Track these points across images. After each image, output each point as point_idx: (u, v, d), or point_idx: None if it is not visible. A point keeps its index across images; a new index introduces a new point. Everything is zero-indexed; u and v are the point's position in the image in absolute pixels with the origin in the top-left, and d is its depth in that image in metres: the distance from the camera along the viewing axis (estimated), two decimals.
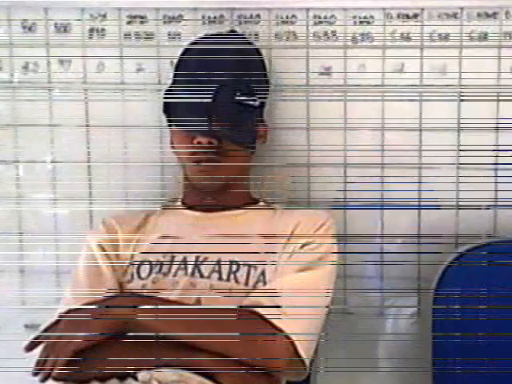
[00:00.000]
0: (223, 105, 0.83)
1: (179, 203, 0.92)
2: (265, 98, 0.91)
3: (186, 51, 0.91)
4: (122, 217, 0.91)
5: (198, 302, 0.79)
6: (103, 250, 0.85)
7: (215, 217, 0.88)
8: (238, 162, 0.86)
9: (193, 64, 0.87)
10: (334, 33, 0.95)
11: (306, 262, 0.80)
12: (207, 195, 0.88)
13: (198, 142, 0.83)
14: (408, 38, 0.94)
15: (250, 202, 0.92)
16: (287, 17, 0.96)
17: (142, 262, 0.84)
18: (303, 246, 0.82)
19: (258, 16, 0.97)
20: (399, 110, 0.96)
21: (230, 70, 0.84)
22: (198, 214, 0.89)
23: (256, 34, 0.98)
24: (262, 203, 0.93)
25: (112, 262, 0.84)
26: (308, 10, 0.95)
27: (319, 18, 0.96)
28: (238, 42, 0.89)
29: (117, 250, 0.86)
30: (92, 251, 0.85)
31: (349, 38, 0.95)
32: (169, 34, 1.00)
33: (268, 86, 0.93)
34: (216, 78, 0.83)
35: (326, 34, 0.96)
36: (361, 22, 0.94)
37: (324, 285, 0.79)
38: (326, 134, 0.99)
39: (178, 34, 1.00)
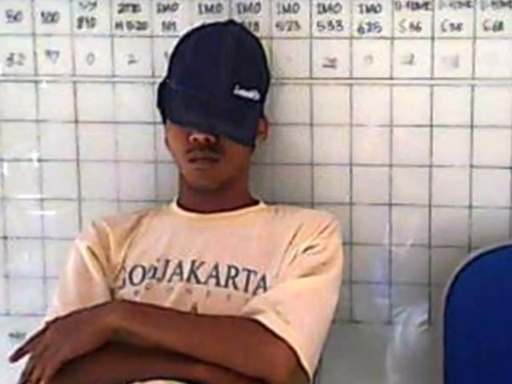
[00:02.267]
0: (221, 99, 0.77)
1: (174, 204, 0.86)
2: (265, 91, 0.85)
3: (182, 42, 0.84)
4: (113, 218, 0.86)
5: (194, 309, 0.74)
6: (93, 253, 0.79)
7: (212, 218, 0.82)
8: (237, 160, 0.81)
9: (188, 56, 0.81)
10: (339, 22, 0.90)
11: (308, 267, 0.74)
12: (204, 195, 0.82)
13: (194, 139, 0.77)
14: (418, 28, 0.88)
15: (249, 202, 0.86)
16: (289, 5, 0.91)
17: (134, 267, 0.79)
18: (306, 249, 0.76)
19: (259, 5, 0.91)
20: (408, 105, 0.90)
21: (227, 63, 0.78)
22: (193, 215, 0.83)
23: (256, 24, 0.92)
24: (262, 204, 0.87)
25: (103, 267, 0.79)
26: None
27: (323, 6, 0.90)
28: (236, 33, 0.83)
29: (108, 253, 0.80)
30: (81, 255, 0.79)
31: (355, 27, 0.89)
32: (163, 24, 0.94)
33: (269, 80, 0.87)
34: (213, 70, 0.78)
35: (330, 23, 0.90)
36: (368, 10, 0.89)
37: (328, 291, 0.74)
38: (331, 130, 0.93)
39: (173, 24, 0.94)
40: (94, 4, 0.95)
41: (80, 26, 0.95)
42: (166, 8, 0.94)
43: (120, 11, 0.94)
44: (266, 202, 0.88)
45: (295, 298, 0.70)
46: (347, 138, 0.92)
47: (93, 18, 0.95)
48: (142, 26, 0.95)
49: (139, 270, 0.78)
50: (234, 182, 0.83)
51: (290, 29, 0.91)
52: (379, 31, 0.89)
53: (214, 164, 0.78)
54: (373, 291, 0.94)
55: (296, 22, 0.91)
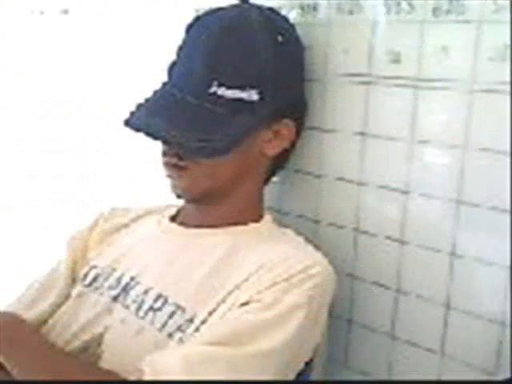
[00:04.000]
0: (190, 97, 0.63)
1: (174, 209, 0.76)
2: (278, 93, 0.66)
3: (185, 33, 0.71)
4: (120, 210, 0.79)
5: (101, 336, 0.64)
6: (72, 244, 0.76)
7: (181, 234, 0.70)
8: (216, 170, 0.66)
9: (180, 45, 0.69)
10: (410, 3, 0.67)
11: (230, 330, 0.55)
12: (191, 206, 0.71)
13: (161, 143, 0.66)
14: None
15: (242, 219, 0.70)
16: None
17: (92, 267, 0.73)
18: (247, 302, 0.57)
19: None
20: (491, 119, 0.62)
21: (205, 54, 0.63)
22: (172, 225, 0.72)
23: (315, 8, 0.76)
24: (261, 223, 0.71)
25: (75, 260, 0.75)
26: None
27: None
28: (233, 17, 0.65)
29: (87, 246, 0.76)
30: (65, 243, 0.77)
31: (428, 9, 0.65)
32: None
33: (290, 76, 0.69)
34: (187, 62, 0.65)
35: (399, 4, 0.68)
36: None
37: (247, 373, 0.52)
38: (388, 144, 0.71)
39: None
40: None
41: None
42: None
43: None
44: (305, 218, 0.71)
45: (187, 372, 0.52)
46: (405, 155, 0.69)
47: None
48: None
49: (94, 272, 0.72)
50: (225, 195, 0.69)
51: (351, 12, 0.73)
52: (462, 14, 0.63)
53: (182, 172, 0.66)
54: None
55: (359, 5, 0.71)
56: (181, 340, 0.59)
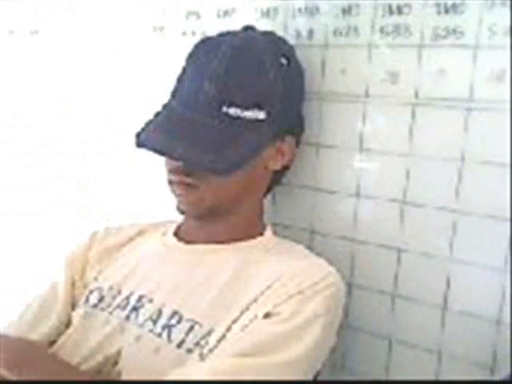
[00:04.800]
0: (202, 117, 0.64)
1: (174, 225, 0.76)
2: (282, 110, 0.68)
3: (188, 55, 0.72)
4: (114, 229, 0.79)
5: (118, 354, 0.63)
6: (69, 265, 0.74)
7: (187, 250, 0.70)
8: (224, 187, 0.67)
9: (186, 66, 0.70)
10: (407, 27, 0.71)
11: (255, 343, 0.56)
12: (193, 222, 0.71)
13: (170, 161, 0.67)
14: None
15: (249, 235, 0.71)
16: (349, 6, 0.76)
17: (95, 288, 0.71)
18: (267, 315, 0.58)
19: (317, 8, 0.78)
20: (489, 136, 0.66)
21: (216, 74, 0.64)
22: (173, 242, 0.72)
23: (311, 32, 0.79)
24: (263, 237, 0.72)
25: (73, 281, 0.74)
26: None
27: (389, 7, 0.73)
28: (240, 40, 0.67)
29: (85, 267, 0.74)
30: (60, 264, 0.76)
31: (427, 33, 0.70)
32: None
33: (293, 96, 0.72)
34: (197, 82, 0.65)
35: (396, 27, 0.72)
36: (446, 11, 0.69)
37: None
38: (384, 159, 0.73)
39: None
40: None
41: None
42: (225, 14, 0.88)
43: None
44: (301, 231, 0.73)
45: None
46: (402, 170, 0.72)
47: None
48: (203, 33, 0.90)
49: (96, 293, 0.71)
50: (229, 210, 0.70)
51: (347, 35, 0.76)
52: (459, 38, 0.68)
53: (191, 190, 0.66)
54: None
55: (355, 27, 0.75)
56: (201, 355, 0.59)
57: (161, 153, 0.64)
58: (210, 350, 0.59)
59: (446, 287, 0.69)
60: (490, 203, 0.66)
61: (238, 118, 0.64)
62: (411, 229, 0.72)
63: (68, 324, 0.72)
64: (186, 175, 0.65)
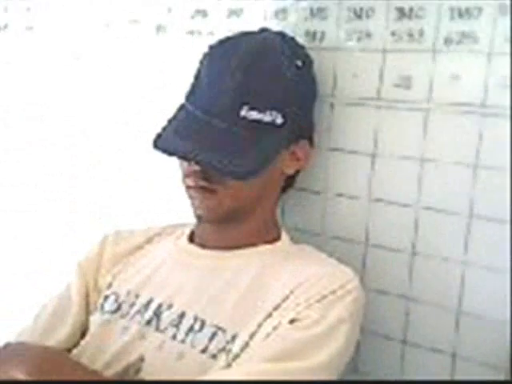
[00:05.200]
0: (221, 120, 0.64)
1: (189, 229, 0.76)
2: (298, 113, 0.69)
3: (205, 54, 0.71)
4: (126, 233, 0.78)
5: (141, 360, 0.63)
6: (81, 271, 0.74)
7: (205, 256, 0.70)
8: (243, 192, 0.67)
9: (201, 69, 0.69)
10: (420, 31, 0.71)
11: (285, 348, 0.57)
12: (208, 227, 0.71)
13: (187, 165, 0.66)
14: None
15: (265, 240, 0.71)
16: (361, 10, 0.75)
17: (111, 294, 0.71)
18: (292, 321, 0.59)
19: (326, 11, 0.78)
20: (504, 142, 0.67)
21: (235, 76, 0.64)
22: (190, 247, 0.72)
23: (323, 33, 0.78)
24: (281, 242, 0.72)
25: (87, 287, 0.73)
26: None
27: (402, 11, 0.72)
28: (257, 42, 0.67)
29: (97, 273, 0.74)
30: (72, 270, 0.75)
31: (441, 38, 0.70)
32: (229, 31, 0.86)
33: (307, 100, 0.72)
34: (217, 85, 0.64)
35: (409, 31, 0.72)
36: (460, 16, 0.68)
37: None
38: (397, 163, 0.74)
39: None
40: None
41: None
42: (232, 13, 0.87)
43: None
44: (315, 234, 0.73)
45: None
46: (416, 174, 0.73)
47: None
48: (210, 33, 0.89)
49: (112, 298, 0.70)
50: (245, 215, 0.70)
51: (359, 39, 0.76)
52: (474, 43, 0.68)
53: (209, 194, 0.66)
54: None
55: (367, 31, 0.75)
56: (227, 360, 0.60)
57: (182, 157, 0.64)
58: (235, 357, 0.59)
59: (460, 290, 0.70)
60: (504, 208, 0.66)
61: (257, 121, 0.64)
62: (424, 232, 0.73)
63: (83, 331, 0.72)
64: (204, 180, 0.65)
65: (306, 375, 0.56)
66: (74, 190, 1.07)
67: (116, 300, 0.70)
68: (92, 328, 0.69)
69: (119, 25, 0.99)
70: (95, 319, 0.69)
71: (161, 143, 0.65)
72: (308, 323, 0.58)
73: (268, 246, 0.70)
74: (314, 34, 0.79)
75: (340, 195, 0.79)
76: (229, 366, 0.59)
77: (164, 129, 0.67)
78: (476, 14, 0.67)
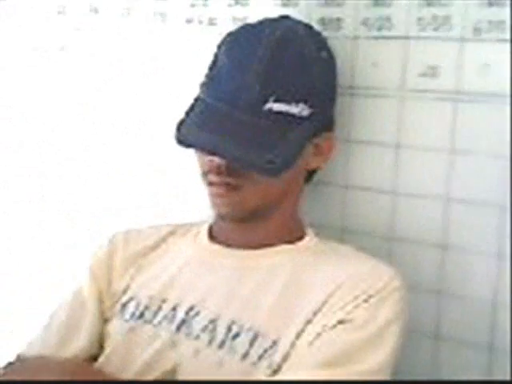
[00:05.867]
0: (246, 114, 0.60)
1: (206, 227, 0.71)
2: (324, 105, 0.66)
3: (222, 43, 0.67)
4: (135, 232, 0.73)
5: (174, 371, 0.59)
6: (94, 275, 0.69)
7: (232, 255, 0.66)
8: (269, 187, 0.63)
9: (220, 58, 0.64)
10: (447, 19, 0.69)
11: (334, 352, 0.54)
12: (231, 225, 0.67)
13: (211, 159, 0.62)
14: None
15: (292, 237, 0.68)
16: None
17: (130, 299, 0.66)
18: (339, 323, 0.57)
19: None
20: None
21: (261, 67, 0.60)
22: (215, 246, 0.68)
23: (338, 20, 0.74)
24: (308, 239, 0.69)
25: (100, 292, 0.68)
26: None
27: None
28: (281, 31, 0.63)
29: (111, 276, 0.68)
30: (81, 275, 0.69)
31: (468, 26, 0.68)
32: (233, 19, 0.81)
33: (332, 90, 0.69)
34: (240, 76, 0.60)
35: (435, 19, 0.69)
36: (490, 4, 0.67)
37: None
38: (423, 154, 0.73)
39: (244, 19, 0.80)
40: None
41: None
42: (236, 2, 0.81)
43: None
44: (332, 230, 0.70)
45: None
46: (444, 166, 0.71)
47: None
48: (211, 21, 0.83)
49: (133, 304, 0.65)
50: (270, 212, 0.66)
51: (380, 28, 0.73)
52: (502, 32, 0.66)
53: (234, 191, 0.62)
54: None
55: (388, 18, 0.72)
56: (270, 367, 0.57)
57: (211, 152, 0.60)
58: (277, 366, 0.56)
59: (495, 282, 0.71)
60: None
61: (283, 113, 0.61)
62: (455, 225, 0.72)
63: (100, 340, 0.67)
64: (229, 175, 0.61)
65: (365, 378, 0.54)
66: (76, 187, 0.99)
67: (137, 306, 0.65)
68: (113, 336, 0.64)
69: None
70: (115, 327, 0.65)
71: (184, 138, 0.61)
72: (358, 324, 0.56)
73: (296, 244, 0.67)
74: (330, 21, 0.75)
75: (361, 188, 0.77)
76: (274, 372, 0.56)
77: (182, 122, 0.63)
78: (504, 2, 0.66)
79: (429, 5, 0.69)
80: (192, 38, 0.86)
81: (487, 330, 0.70)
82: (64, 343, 0.66)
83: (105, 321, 0.67)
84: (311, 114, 0.63)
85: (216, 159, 0.61)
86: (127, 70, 0.92)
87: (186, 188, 0.87)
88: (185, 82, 0.84)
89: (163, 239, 0.72)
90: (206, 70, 0.68)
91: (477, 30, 0.67)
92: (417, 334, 0.73)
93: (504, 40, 0.66)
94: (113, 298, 0.68)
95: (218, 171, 0.61)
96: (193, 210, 0.83)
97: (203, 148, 0.60)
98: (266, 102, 0.60)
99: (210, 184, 0.64)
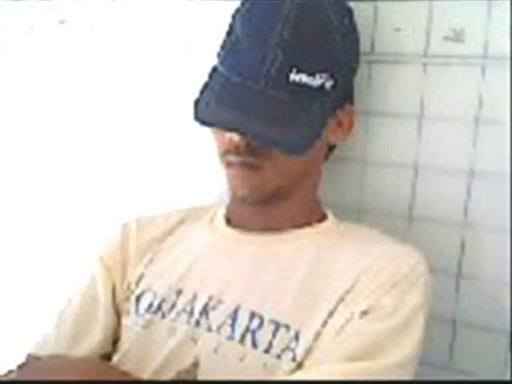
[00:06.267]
0: (268, 87, 0.56)
1: (222, 211, 0.68)
2: (347, 76, 0.62)
3: (237, 11, 0.62)
4: (147, 219, 0.69)
5: (195, 366, 0.56)
6: (106, 266, 0.66)
7: (252, 241, 0.63)
8: (290, 166, 0.60)
9: (238, 25, 0.60)
10: None
11: (364, 344, 0.52)
12: (251, 207, 0.63)
13: (230, 139, 0.58)
14: None
15: (313, 219, 0.65)
16: None
17: (144, 291, 0.63)
18: (365, 312, 0.53)
19: None
20: None
21: (282, 36, 0.56)
22: (232, 232, 0.64)
23: None
24: (329, 221, 0.66)
25: (113, 284, 0.65)
26: None
27: None
28: None
29: (125, 266, 0.65)
30: (95, 265, 0.66)
31: None
32: None
33: (356, 59, 0.65)
34: (260, 46, 0.56)
35: None
36: None
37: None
38: (448, 126, 0.68)
39: None
40: None
41: None
42: None
43: None
44: (351, 211, 0.67)
45: None
46: (469, 137, 0.67)
47: None
48: None
49: (148, 296, 0.62)
50: (289, 193, 0.62)
51: None
52: None
53: (254, 171, 0.58)
54: None
55: None
56: (294, 359, 0.54)
57: (233, 130, 0.56)
58: (301, 358, 0.54)
59: None
60: None
61: (306, 85, 0.57)
62: (477, 202, 0.67)
63: (114, 335, 0.64)
64: (250, 155, 0.58)
65: (392, 371, 0.51)
66: (80, 177, 0.97)
67: (153, 298, 0.62)
68: (129, 332, 0.61)
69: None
70: (131, 322, 0.62)
71: (203, 115, 0.57)
72: (384, 314, 0.53)
73: (318, 227, 0.64)
74: None
75: (381, 164, 0.73)
76: (298, 365, 0.53)
77: (199, 97, 0.59)
78: None
79: None
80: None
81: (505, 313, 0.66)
82: (78, 339, 0.63)
83: (119, 314, 0.65)
84: (334, 86, 0.59)
85: (235, 137, 0.57)
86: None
87: (193, 172, 0.84)
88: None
89: (177, 225, 0.69)
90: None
91: None
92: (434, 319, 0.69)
93: None
94: (127, 291, 0.65)
95: (237, 151, 0.58)
96: (202, 195, 0.81)
97: (224, 126, 0.57)
98: (289, 73, 0.56)
99: (229, 165, 0.60)
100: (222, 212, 0.68)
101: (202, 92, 0.60)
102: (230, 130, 0.57)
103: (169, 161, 0.87)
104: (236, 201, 0.65)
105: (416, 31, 0.68)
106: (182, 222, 0.69)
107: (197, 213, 0.70)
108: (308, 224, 0.64)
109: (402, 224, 0.72)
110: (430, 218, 0.71)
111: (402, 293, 0.54)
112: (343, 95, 0.63)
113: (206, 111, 0.57)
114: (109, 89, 0.90)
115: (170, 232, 0.68)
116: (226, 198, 0.69)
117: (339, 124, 0.65)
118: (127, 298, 0.64)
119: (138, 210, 0.81)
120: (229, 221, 0.66)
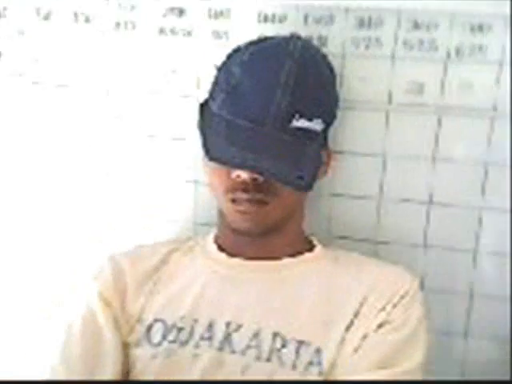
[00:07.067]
0: (275, 131, 0.61)
1: (211, 240, 0.71)
2: (332, 119, 0.69)
3: (232, 56, 0.67)
4: (136, 253, 0.71)
5: None
6: (105, 300, 0.66)
7: (256, 268, 0.67)
8: (291, 201, 0.65)
9: (237, 74, 0.64)
10: (432, 42, 0.72)
11: (387, 353, 0.60)
12: (247, 238, 0.67)
13: (238, 176, 0.61)
14: None
15: (304, 248, 0.70)
16: (370, 19, 0.73)
17: (153, 322, 0.65)
18: (380, 325, 0.61)
19: (331, 17, 0.74)
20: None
21: (287, 86, 0.62)
22: (234, 260, 0.67)
23: (325, 39, 0.75)
24: (319, 248, 0.71)
25: (116, 318, 0.66)
26: (400, 12, 0.71)
27: (415, 22, 0.72)
28: (300, 50, 0.65)
29: (123, 300, 0.66)
30: (91, 301, 0.66)
31: (452, 49, 0.72)
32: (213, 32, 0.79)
33: (337, 105, 0.71)
34: (266, 94, 0.61)
35: (421, 42, 0.72)
36: (471, 29, 0.70)
37: None
38: (407, 163, 0.78)
39: (225, 33, 0.78)
40: None
41: None
42: (217, 14, 0.78)
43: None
44: (322, 238, 0.75)
45: None
46: (426, 173, 0.78)
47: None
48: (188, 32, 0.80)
49: (159, 327, 0.64)
50: (285, 224, 0.67)
51: (367, 46, 0.75)
52: (484, 55, 0.71)
53: (261, 207, 0.63)
54: None
55: (377, 39, 0.74)
56: (320, 374, 0.60)
57: (245, 169, 0.60)
58: (327, 373, 0.59)
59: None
60: None
61: (304, 129, 0.63)
62: (486, 232, 0.77)
63: (125, 367, 0.65)
64: (257, 191, 0.62)
65: (414, 374, 0.59)
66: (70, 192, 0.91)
67: (166, 328, 0.64)
68: (147, 362, 0.63)
69: None
70: (146, 352, 0.63)
71: (215, 154, 0.61)
72: (397, 325, 0.60)
73: (312, 253, 0.70)
74: (317, 40, 0.76)
75: (351, 197, 0.81)
76: (325, 379, 0.59)
77: (205, 139, 0.63)
78: (488, 28, 0.69)
79: (416, 29, 0.72)
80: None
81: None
82: (91, 375, 0.63)
83: (125, 346, 0.65)
84: (323, 129, 0.66)
85: (243, 175, 0.61)
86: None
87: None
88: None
89: (169, 255, 0.71)
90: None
91: (460, 53, 0.71)
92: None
93: (485, 62, 0.71)
94: (129, 322, 0.65)
95: (246, 188, 0.62)
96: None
97: (241, 166, 0.60)
98: (292, 118, 0.62)
99: (235, 201, 0.63)
100: (210, 240, 0.71)
101: (203, 133, 0.63)
102: (240, 168, 0.60)
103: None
104: (230, 231, 0.67)
105: (380, 82, 0.75)
106: (172, 253, 0.71)
107: (185, 243, 0.73)
108: (300, 253, 0.69)
109: (370, 247, 0.80)
110: (392, 241, 0.80)
111: (407, 306, 0.62)
112: (325, 137, 0.69)
113: (219, 151, 0.61)
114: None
115: (163, 261, 0.69)
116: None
117: (325, 162, 0.71)
118: (132, 330, 0.65)
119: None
120: (222, 249, 0.69)
